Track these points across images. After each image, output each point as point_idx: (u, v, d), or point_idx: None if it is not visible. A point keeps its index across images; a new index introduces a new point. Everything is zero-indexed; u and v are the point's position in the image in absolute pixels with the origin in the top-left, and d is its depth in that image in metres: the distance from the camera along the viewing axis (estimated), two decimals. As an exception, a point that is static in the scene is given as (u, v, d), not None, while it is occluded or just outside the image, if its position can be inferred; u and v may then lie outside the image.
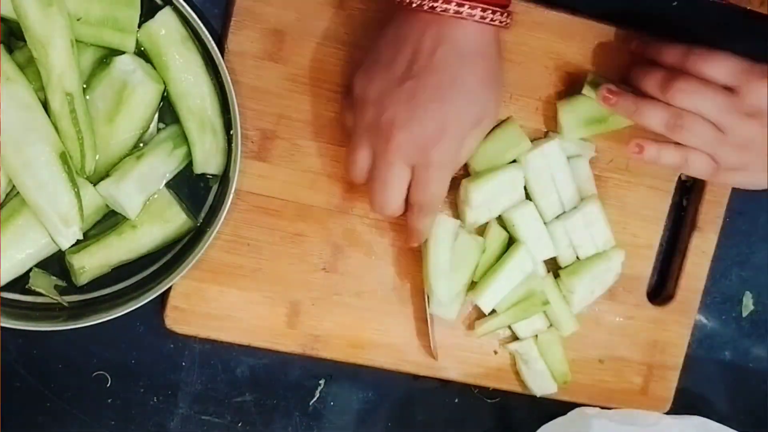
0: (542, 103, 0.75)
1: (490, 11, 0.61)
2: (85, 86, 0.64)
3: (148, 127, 0.67)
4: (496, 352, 0.77)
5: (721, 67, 0.66)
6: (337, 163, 0.72)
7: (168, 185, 0.68)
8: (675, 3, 0.80)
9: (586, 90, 0.73)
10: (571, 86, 0.75)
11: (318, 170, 0.71)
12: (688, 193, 0.81)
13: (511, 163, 0.73)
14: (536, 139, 0.75)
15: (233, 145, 0.66)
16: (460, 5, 0.60)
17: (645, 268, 0.80)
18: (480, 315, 0.76)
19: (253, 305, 0.71)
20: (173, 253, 0.69)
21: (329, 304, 0.73)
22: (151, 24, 0.64)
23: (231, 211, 0.67)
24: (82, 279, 0.67)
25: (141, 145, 0.67)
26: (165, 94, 0.66)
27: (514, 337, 0.77)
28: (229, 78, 0.64)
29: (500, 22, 0.62)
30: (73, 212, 0.63)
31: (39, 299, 0.67)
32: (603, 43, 0.75)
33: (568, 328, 0.76)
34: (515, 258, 0.73)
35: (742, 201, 0.83)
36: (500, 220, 0.74)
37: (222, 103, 0.67)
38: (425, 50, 0.61)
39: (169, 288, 0.68)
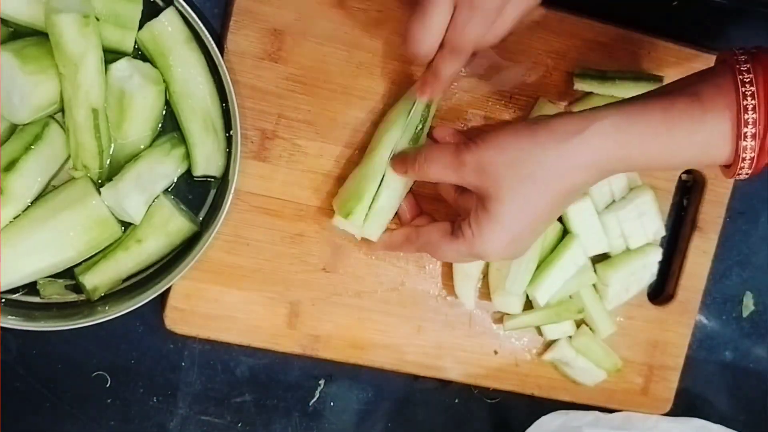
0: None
1: None
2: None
3: (159, 126, 0.67)
4: (496, 352, 0.77)
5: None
6: (338, 163, 0.72)
7: (168, 189, 0.68)
8: (675, 3, 0.80)
9: (578, 85, 0.74)
10: (571, 86, 0.74)
11: (318, 170, 0.71)
12: (688, 193, 0.81)
13: None
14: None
15: (233, 145, 0.66)
16: None
17: (645, 268, 0.80)
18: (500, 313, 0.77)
19: (252, 305, 0.71)
20: (173, 253, 0.69)
21: (329, 305, 0.73)
22: (155, 23, 0.64)
23: (231, 212, 0.67)
24: (96, 296, 0.67)
25: (141, 147, 0.67)
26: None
27: (545, 346, 0.78)
28: (229, 78, 0.64)
29: None
30: None
31: (38, 299, 0.67)
32: (603, 43, 0.75)
33: (605, 330, 0.77)
34: (569, 251, 0.73)
35: (743, 201, 0.83)
36: None
37: (222, 103, 0.67)
38: None
39: (169, 288, 0.68)
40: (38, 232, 0.64)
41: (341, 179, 0.72)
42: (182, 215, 0.67)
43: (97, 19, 0.62)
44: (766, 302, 0.86)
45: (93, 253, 0.66)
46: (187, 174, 0.68)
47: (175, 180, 0.68)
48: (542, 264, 0.74)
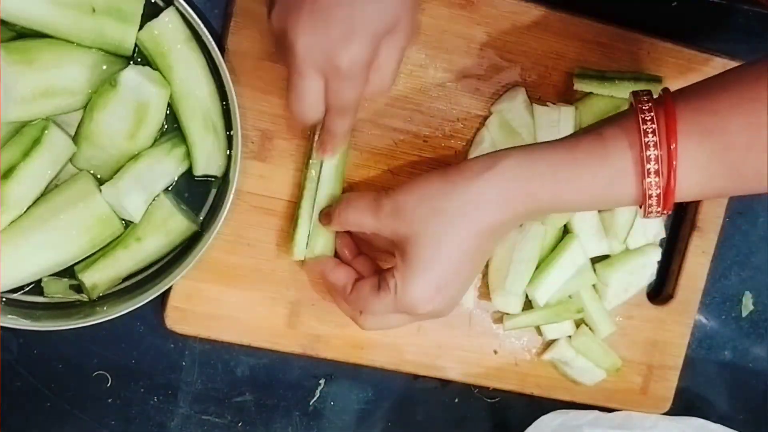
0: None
1: None
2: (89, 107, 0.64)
3: (162, 127, 0.67)
4: (496, 352, 0.78)
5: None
6: (337, 163, 0.72)
7: (168, 189, 0.68)
8: (675, 3, 0.80)
9: (578, 85, 0.74)
10: (571, 86, 0.75)
11: (318, 170, 0.71)
12: (688, 193, 0.81)
13: None
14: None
15: (233, 145, 0.66)
16: None
17: (645, 268, 0.80)
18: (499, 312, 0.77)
19: (253, 305, 0.71)
20: (173, 253, 0.69)
21: (329, 304, 0.73)
22: (156, 23, 0.64)
23: (231, 211, 0.67)
24: (95, 294, 0.67)
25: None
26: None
27: (545, 346, 0.78)
28: (229, 78, 0.64)
29: None
30: None
31: (39, 299, 0.67)
32: (603, 43, 0.75)
33: (605, 330, 0.77)
34: (569, 251, 0.74)
35: (742, 201, 0.83)
36: None
37: (222, 103, 0.67)
38: None
39: (169, 288, 0.68)
40: (40, 231, 0.64)
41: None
42: (182, 214, 0.67)
43: (94, 10, 0.62)
44: (766, 302, 0.86)
45: (95, 251, 0.67)
46: (188, 173, 0.68)
47: (176, 179, 0.68)
48: (542, 264, 0.74)
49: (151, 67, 0.65)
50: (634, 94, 0.59)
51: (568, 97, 0.75)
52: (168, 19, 0.64)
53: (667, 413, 0.82)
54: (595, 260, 0.77)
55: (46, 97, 0.63)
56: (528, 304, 0.76)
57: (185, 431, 0.74)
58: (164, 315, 0.70)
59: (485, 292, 0.76)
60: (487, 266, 0.75)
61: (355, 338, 0.74)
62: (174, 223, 0.67)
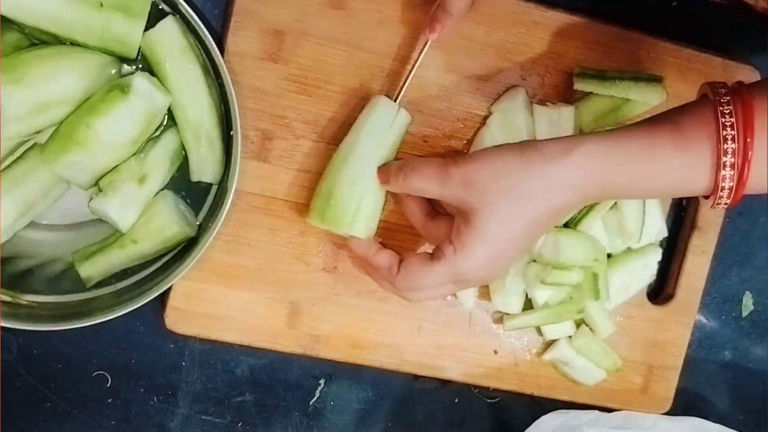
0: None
1: None
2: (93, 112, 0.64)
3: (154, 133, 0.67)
4: (496, 352, 0.78)
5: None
6: (337, 163, 0.72)
7: (167, 187, 0.68)
8: (675, 3, 0.80)
9: (578, 85, 0.74)
10: (571, 86, 0.75)
11: (318, 170, 0.71)
12: (688, 193, 0.81)
13: None
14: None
15: (233, 145, 0.66)
16: None
17: (645, 268, 0.80)
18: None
19: (253, 305, 0.71)
20: (173, 253, 0.69)
21: (329, 304, 0.73)
22: (152, 33, 0.64)
23: (231, 212, 0.67)
24: (89, 284, 0.68)
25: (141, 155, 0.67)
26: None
27: (545, 346, 0.78)
28: (229, 78, 0.64)
29: None
30: None
31: (39, 299, 0.67)
32: (603, 42, 0.75)
33: (605, 330, 0.76)
34: None
35: (742, 201, 0.83)
36: None
37: (222, 105, 0.67)
38: None
39: (169, 288, 0.68)
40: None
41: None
42: (179, 221, 0.67)
43: (101, 5, 0.62)
44: (766, 302, 0.86)
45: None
46: (189, 174, 0.68)
47: (168, 181, 0.68)
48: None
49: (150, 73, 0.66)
50: (710, 85, 0.59)
51: (568, 97, 0.75)
52: (165, 29, 0.64)
53: (667, 413, 0.82)
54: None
55: (42, 111, 0.62)
56: (528, 305, 0.76)
57: (185, 431, 0.74)
58: (164, 315, 0.70)
59: (485, 292, 0.76)
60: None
61: (355, 338, 0.74)
62: (170, 232, 0.67)
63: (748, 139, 0.56)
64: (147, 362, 0.72)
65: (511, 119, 0.73)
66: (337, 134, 0.71)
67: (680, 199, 0.81)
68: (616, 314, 0.79)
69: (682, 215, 0.81)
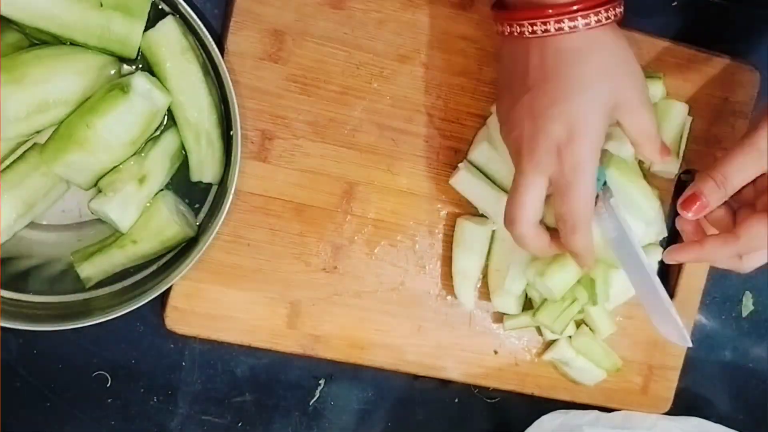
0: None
1: (592, 14, 0.59)
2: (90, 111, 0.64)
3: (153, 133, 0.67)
4: (496, 352, 0.78)
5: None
6: (337, 163, 0.72)
7: (167, 187, 0.68)
8: (675, 3, 0.80)
9: None
10: (571, 86, 0.74)
11: (318, 170, 0.71)
12: (688, 193, 0.81)
13: None
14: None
15: (233, 145, 0.66)
16: (559, 21, 0.58)
17: (645, 268, 0.80)
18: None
19: (253, 305, 0.71)
20: (173, 253, 0.69)
21: (329, 304, 0.73)
22: (152, 33, 0.64)
23: (231, 212, 0.67)
24: (89, 284, 0.68)
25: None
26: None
27: (545, 346, 0.78)
28: (229, 78, 0.64)
29: (606, 18, 0.59)
30: None
31: (39, 299, 0.67)
32: (603, 43, 0.75)
33: (605, 330, 0.76)
34: None
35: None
36: None
37: (222, 105, 0.67)
38: (534, 64, 0.60)
39: (169, 288, 0.68)
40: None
41: (341, 179, 0.72)
42: (179, 221, 0.67)
43: (101, 4, 0.62)
44: (766, 302, 0.86)
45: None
46: (188, 174, 0.68)
47: (167, 181, 0.68)
48: (553, 261, 0.73)
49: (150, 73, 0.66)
50: None
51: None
52: (165, 29, 0.64)
53: (667, 413, 0.81)
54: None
55: (41, 112, 0.62)
56: (528, 305, 0.76)
57: (185, 431, 0.74)
58: (164, 315, 0.70)
59: (485, 292, 0.76)
60: (486, 266, 0.75)
61: (355, 338, 0.74)
62: (170, 232, 0.67)
63: None
64: (147, 362, 0.72)
65: None
66: (337, 134, 0.71)
67: (680, 199, 0.81)
68: (616, 314, 0.79)
69: (682, 215, 0.81)
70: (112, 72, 0.65)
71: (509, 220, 0.63)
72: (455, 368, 0.77)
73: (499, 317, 0.77)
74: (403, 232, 0.74)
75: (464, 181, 0.73)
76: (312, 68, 0.70)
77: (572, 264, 0.71)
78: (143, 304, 0.64)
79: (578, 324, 0.77)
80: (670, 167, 0.76)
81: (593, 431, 0.75)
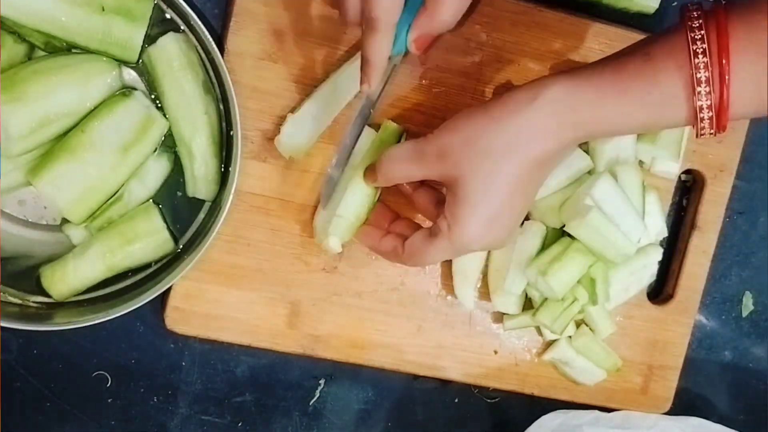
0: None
1: None
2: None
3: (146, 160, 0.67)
4: (496, 352, 0.78)
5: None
6: (337, 163, 0.72)
7: (166, 186, 0.69)
8: (675, 3, 0.80)
9: None
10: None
11: (318, 170, 0.71)
12: (687, 193, 0.82)
13: None
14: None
15: (233, 145, 0.66)
16: None
17: (645, 268, 0.80)
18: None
19: (253, 305, 0.71)
20: (173, 253, 0.69)
21: (329, 304, 0.73)
22: (152, 49, 0.65)
23: (231, 211, 0.67)
24: (62, 299, 0.67)
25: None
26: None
27: (545, 346, 0.78)
28: (229, 78, 0.64)
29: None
30: None
31: (39, 299, 0.67)
32: (602, 42, 0.75)
33: (605, 330, 0.76)
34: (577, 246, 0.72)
35: (742, 201, 0.83)
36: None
37: (222, 105, 0.67)
38: None
39: (169, 288, 0.68)
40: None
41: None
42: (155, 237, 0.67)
43: (103, 9, 0.62)
44: (766, 302, 0.86)
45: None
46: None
47: (156, 189, 0.69)
48: (559, 255, 0.73)
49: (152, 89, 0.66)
50: (683, 8, 0.56)
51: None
52: (166, 45, 0.65)
53: (667, 413, 0.81)
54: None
55: (44, 126, 0.62)
56: (528, 304, 0.76)
57: (185, 431, 0.74)
58: (164, 315, 0.70)
59: (485, 292, 0.76)
60: (486, 266, 0.75)
61: (355, 338, 0.74)
62: (148, 243, 0.68)
63: (724, 61, 0.53)
64: (147, 362, 0.72)
65: None
66: (337, 134, 0.71)
67: (680, 199, 0.81)
68: (616, 314, 0.79)
69: (682, 215, 0.81)
70: (113, 74, 0.65)
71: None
72: (455, 368, 0.77)
73: (499, 317, 0.77)
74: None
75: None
76: (312, 68, 0.70)
77: (574, 263, 0.71)
78: (143, 304, 0.64)
79: (578, 324, 0.77)
80: (670, 167, 0.76)
81: (593, 431, 0.75)
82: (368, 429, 0.78)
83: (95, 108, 0.64)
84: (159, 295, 0.65)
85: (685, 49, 0.54)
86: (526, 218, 0.74)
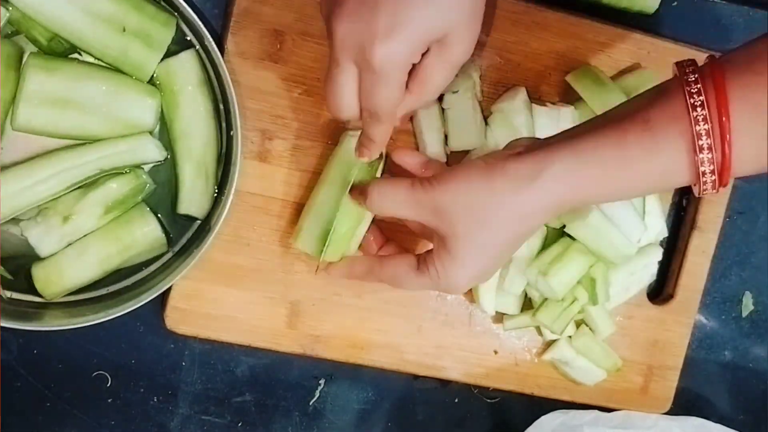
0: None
1: None
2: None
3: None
4: (496, 352, 0.78)
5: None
6: (337, 163, 0.72)
7: (157, 214, 0.69)
8: (675, 3, 0.80)
9: (574, 85, 0.74)
10: (571, 86, 0.74)
11: (318, 170, 0.71)
12: (687, 193, 0.81)
13: None
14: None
15: (233, 145, 0.66)
16: None
17: (645, 268, 0.80)
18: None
19: (253, 305, 0.71)
20: (173, 253, 0.69)
21: (329, 304, 0.73)
22: (173, 60, 0.65)
23: (231, 211, 0.67)
24: (53, 298, 0.67)
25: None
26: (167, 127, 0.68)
27: (545, 346, 0.78)
28: (229, 78, 0.64)
29: None
30: None
31: (39, 299, 0.67)
32: (602, 42, 0.75)
33: (605, 330, 0.76)
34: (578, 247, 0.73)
35: (742, 201, 0.83)
36: None
37: (222, 104, 0.67)
38: None
39: (169, 288, 0.68)
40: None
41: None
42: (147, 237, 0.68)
43: (124, 29, 0.63)
44: (766, 302, 0.86)
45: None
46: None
47: (97, 227, 0.68)
48: (554, 260, 0.73)
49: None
50: (678, 66, 0.56)
51: (568, 97, 0.75)
52: (186, 59, 0.66)
53: (667, 413, 0.81)
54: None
55: (61, 107, 0.63)
56: (527, 305, 0.76)
57: (185, 431, 0.74)
58: (164, 315, 0.70)
59: (485, 293, 0.76)
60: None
61: (355, 338, 0.74)
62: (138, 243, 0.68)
63: (723, 119, 0.53)
64: (147, 362, 0.72)
65: (511, 119, 0.73)
66: (337, 134, 0.71)
67: (680, 199, 0.81)
68: (616, 314, 0.79)
69: (682, 215, 0.81)
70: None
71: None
72: (455, 368, 0.77)
73: (499, 317, 0.77)
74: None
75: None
76: (312, 68, 0.70)
77: (575, 263, 0.71)
78: (143, 304, 0.64)
79: (578, 324, 0.77)
80: None
81: (593, 431, 0.75)
82: (368, 429, 0.78)
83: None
84: (159, 295, 0.65)
85: (686, 115, 0.54)
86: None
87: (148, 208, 0.68)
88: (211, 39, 0.63)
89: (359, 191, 0.65)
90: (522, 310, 0.76)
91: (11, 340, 0.70)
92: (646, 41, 0.76)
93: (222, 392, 0.74)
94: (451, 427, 0.80)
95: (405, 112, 0.63)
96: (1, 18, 0.62)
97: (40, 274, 0.66)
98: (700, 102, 0.54)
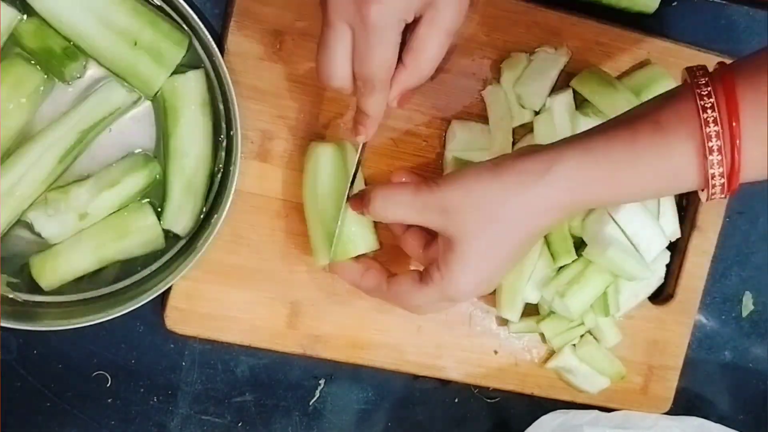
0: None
1: None
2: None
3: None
4: (496, 352, 0.77)
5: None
6: (337, 163, 0.72)
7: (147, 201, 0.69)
8: (675, 3, 0.80)
9: (575, 85, 0.74)
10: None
11: (318, 170, 0.71)
12: (688, 193, 0.81)
13: None
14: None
15: (233, 145, 0.66)
16: None
17: (645, 268, 0.80)
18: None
19: (253, 305, 0.71)
20: (173, 253, 0.69)
21: (329, 304, 0.73)
22: (179, 79, 0.66)
23: (231, 212, 0.67)
24: (50, 289, 0.67)
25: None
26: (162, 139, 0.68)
27: (548, 354, 0.78)
28: (229, 78, 0.64)
29: None
30: None
31: (39, 299, 0.67)
32: (603, 42, 0.75)
33: (611, 340, 0.76)
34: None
35: (742, 201, 0.83)
36: None
37: (221, 105, 0.67)
38: None
39: (169, 288, 0.68)
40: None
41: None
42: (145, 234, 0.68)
43: (136, 43, 0.64)
44: (766, 302, 0.86)
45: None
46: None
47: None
48: (575, 279, 0.73)
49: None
50: (689, 71, 0.56)
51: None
52: (192, 79, 0.66)
53: (667, 413, 0.81)
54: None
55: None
56: (528, 305, 0.76)
57: (185, 431, 0.74)
58: (164, 315, 0.70)
59: (488, 296, 0.76)
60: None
61: (355, 338, 0.74)
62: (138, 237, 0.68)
63: (734, 123, 0.53)
64: (147, 362, 0.72)
65: (554, 120, 0.72)
66: (337, 134, 0.71)
67: (680, 199, 0.81)
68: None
69: (682, 215, 0.81)
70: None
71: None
72: (455, 368, 0.77)
73: (500, 318, 0.77)
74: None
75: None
76: (312, 68, 0.70)
77: (593, 284, 0.71)
78: (143, 304, 0.64)
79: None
80: None
81: (593, 431, 0.75)
82: (368, 429, 0.78)
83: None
84: (159, 295, 0.65)
85: (696, 116, 0.54)
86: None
87: (147, 200, 0.68)
88: (211, 39, 0.63)
89: (359, 198, 0.64)
90: (523, 311, 0.76)
91: (11, 340, 0.70)
92: (646, 41, 0.76)
93: (222, 392, 0.74)
94: (451, 427, 0.80)
95: (400, 90, 0.62)
96: (11, 21, 0.62)
97: (36, 263, 0.66)
98: (710, 104, 0.54)
